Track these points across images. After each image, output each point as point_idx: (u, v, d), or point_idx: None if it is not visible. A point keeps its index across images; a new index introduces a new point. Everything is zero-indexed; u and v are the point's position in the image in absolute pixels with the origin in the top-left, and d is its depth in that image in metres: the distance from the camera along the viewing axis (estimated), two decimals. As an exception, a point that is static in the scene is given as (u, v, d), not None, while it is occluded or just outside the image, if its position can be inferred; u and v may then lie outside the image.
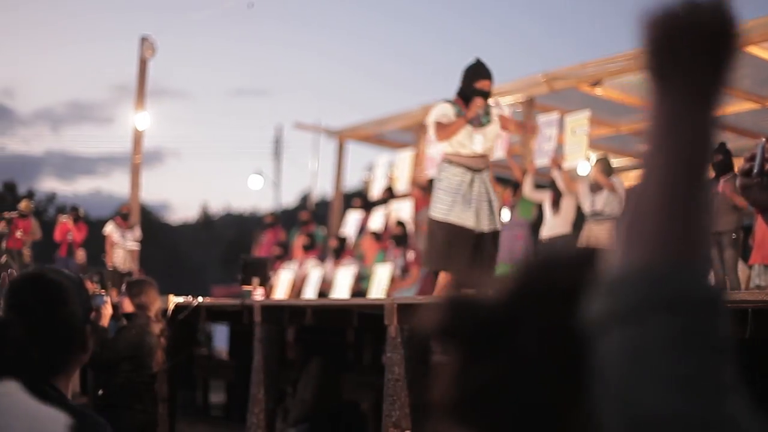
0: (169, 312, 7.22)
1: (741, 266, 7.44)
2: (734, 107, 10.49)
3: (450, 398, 0.72)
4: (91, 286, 4.83)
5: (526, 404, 0.70)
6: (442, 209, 6.23)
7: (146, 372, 4.97)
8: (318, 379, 8.03)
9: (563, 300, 0.69)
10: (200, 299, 7.76)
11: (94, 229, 13.17)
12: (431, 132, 6.50)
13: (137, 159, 13.25)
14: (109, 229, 11.42)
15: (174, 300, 7.49)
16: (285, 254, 12.52)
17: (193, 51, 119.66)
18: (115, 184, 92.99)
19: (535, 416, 0.70)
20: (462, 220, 6.17)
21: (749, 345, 4.12)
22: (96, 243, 12.24)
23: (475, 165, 6.31)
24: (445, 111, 6.34)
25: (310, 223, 13.24)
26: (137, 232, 11.71)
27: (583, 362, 0.65)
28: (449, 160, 6.36)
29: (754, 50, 8.80)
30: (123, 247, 11.41)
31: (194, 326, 9.32)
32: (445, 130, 6.27)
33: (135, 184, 13.20)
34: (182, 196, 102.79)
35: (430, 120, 6.41)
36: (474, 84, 6.35)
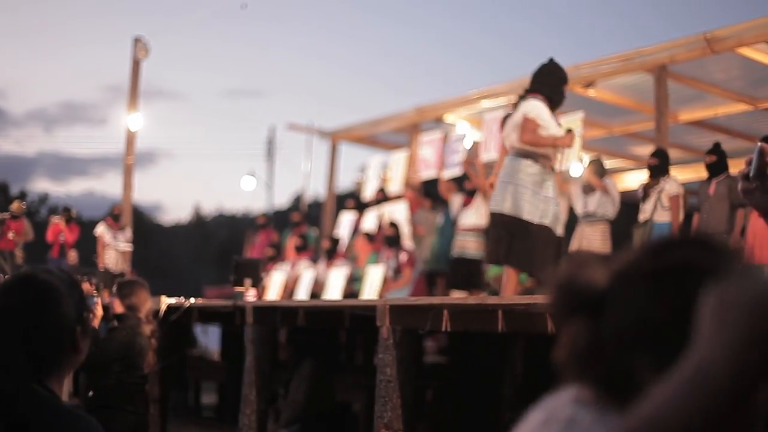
0: (161, 313, 7.19)
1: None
2: (727, 109, 10.52)
3: (565, 356, 0.91)
4: (88, 288, 4.81)
5: (616, 364, 0.87)
6: (533, 212, 6.02)
7: (137, 373, 4.94)
8: (310, 380, 8.01)
9: (645, 283, 0.86)
10: (192, 300, 7.73)
11: (86, 230, 13.11)
12: (520, 127, 6.15)
13: (130, 160, 13.21)
14: (101, 230, 11.37)
15: (166, 301, 7.46)
16: (277, 255, 12.50)
17: (186, 52, 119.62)
18: (108, 185, 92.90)
19: (622, 377, 0.86)
20: (552, 224, 6.09)
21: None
22: (88, 244, 12.19)
23: (550, 165, 6.23)
24: (544, 114, 6.12)
25: (302, 224, 13.22)
26: (128, 233, 11.66)
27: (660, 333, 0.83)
28: (534, 156, 6.12)
29: (746, 52, 8.82)
30: (115, 248, 11.37)
31: (186, 327, 9.29)
32: (534, 136, 6.04)
33: (128, 185, 13.16)
34: (175, 197, 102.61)
35: (527, 114, 6.13)
36: (563, 89, 6.26)
